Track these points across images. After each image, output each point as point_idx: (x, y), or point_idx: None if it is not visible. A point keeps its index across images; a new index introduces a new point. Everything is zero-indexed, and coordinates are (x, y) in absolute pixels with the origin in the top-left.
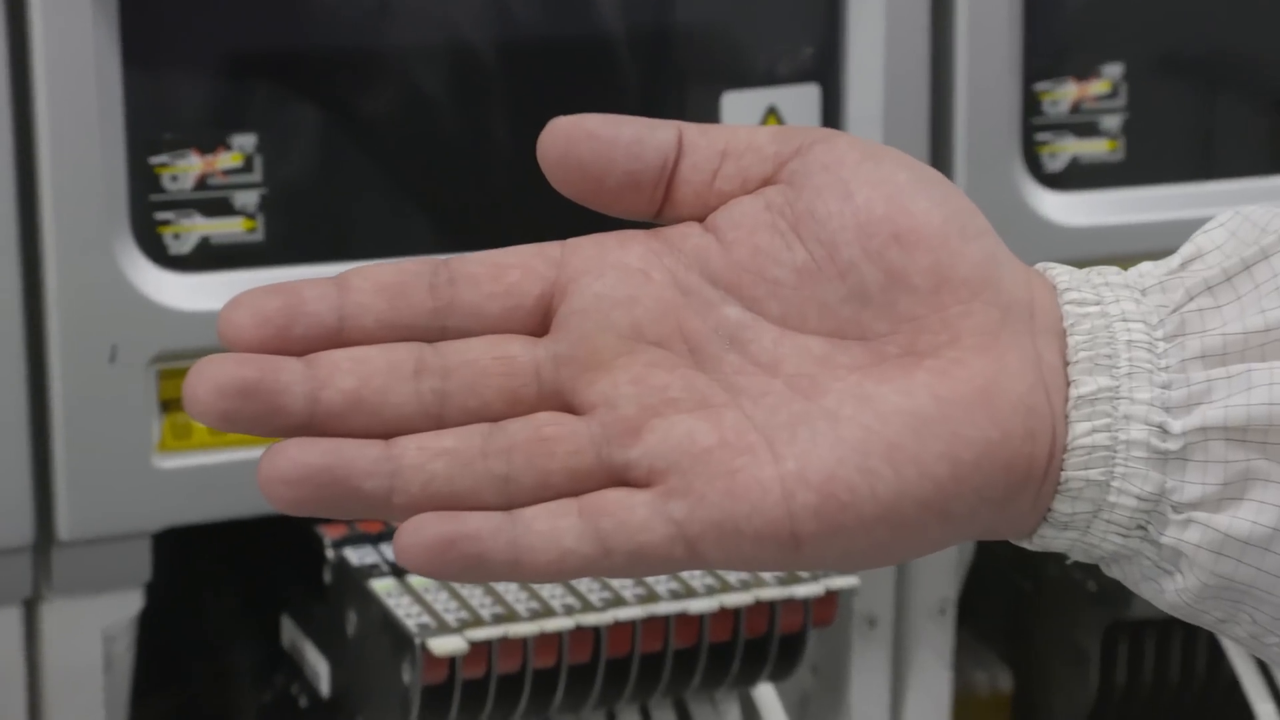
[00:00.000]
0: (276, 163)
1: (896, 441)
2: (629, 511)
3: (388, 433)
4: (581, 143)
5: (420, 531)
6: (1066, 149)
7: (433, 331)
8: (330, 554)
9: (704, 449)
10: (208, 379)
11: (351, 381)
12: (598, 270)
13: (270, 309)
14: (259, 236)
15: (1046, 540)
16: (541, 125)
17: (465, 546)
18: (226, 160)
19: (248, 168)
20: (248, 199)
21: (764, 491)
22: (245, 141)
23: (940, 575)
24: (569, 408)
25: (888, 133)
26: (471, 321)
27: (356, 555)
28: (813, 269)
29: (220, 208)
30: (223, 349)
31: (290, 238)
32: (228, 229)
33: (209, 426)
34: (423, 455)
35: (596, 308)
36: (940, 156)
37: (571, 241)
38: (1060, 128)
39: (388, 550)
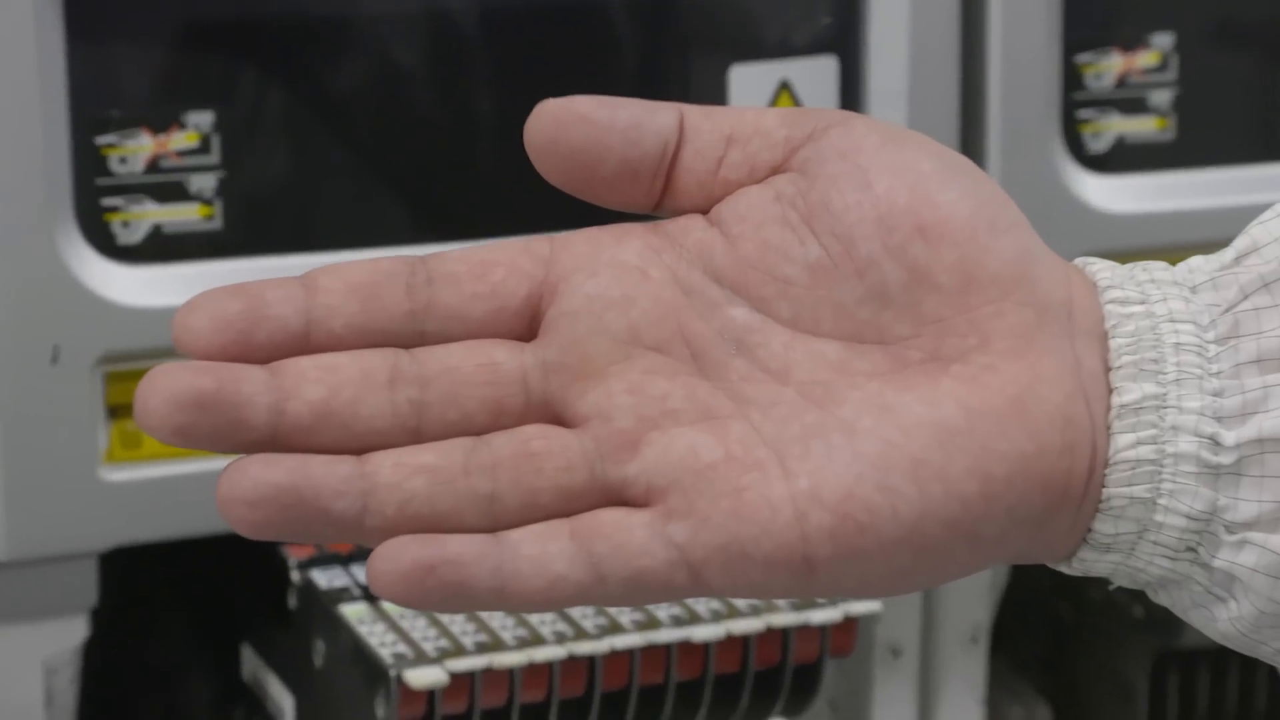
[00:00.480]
0: (237, 143)
1: (920, 456)
2: (626, 534)
3: (360, 448)
4: (572, 127)
5: (397, 556)
6: (1111, 128)
7: (409, 336)
8: (295, 576)
9: (708, 465)
10: (161, 390)
11: (320, 392)
12: (590, 268)
13: (230, 312)
14: (217, 225)
15: (1087, 564)
16: (531, 102)
17: (446, 573)
18: (181, 140)
19: (204, 148)
20: (204, 183)
21: (774, 512)
22: (202, 119)
23: (972, 599)
24: (559, 420)
25: (913, 110)
26: (452, 325)
27: (325, 578)
28: (828, 266)
29: (174, 193)
30: (177, 349)
31: (252, 226)
32: (182, 216)
33: (163, 442)
34: (399, 472)
35: (589, 309)
36: (971, 136)
37: (561, 236)
38: (1104, 104)
39: (359, 573)
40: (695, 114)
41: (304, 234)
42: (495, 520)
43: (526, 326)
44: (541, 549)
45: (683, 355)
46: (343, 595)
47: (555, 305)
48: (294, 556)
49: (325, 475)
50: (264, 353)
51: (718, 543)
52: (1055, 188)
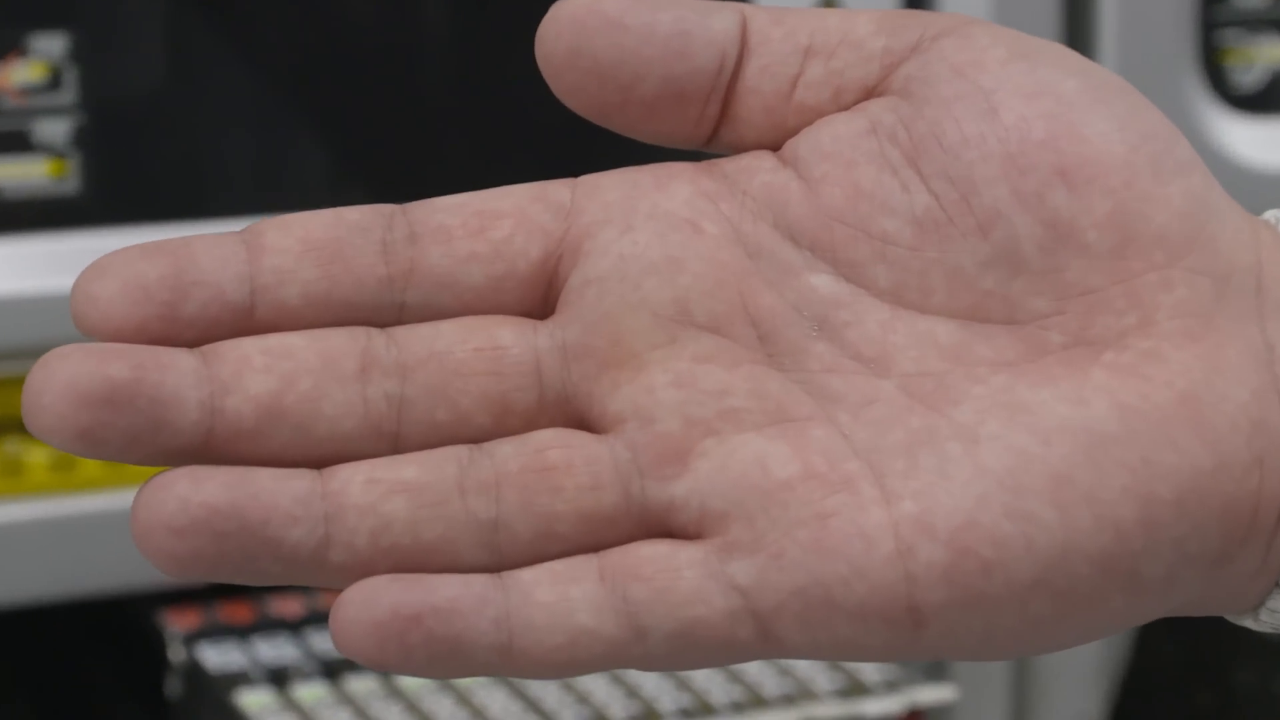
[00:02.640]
0: (99, 76)
1: (1063, 471)
2: (672, 575)
3: (321, 458)
4: (600, 35)
5: (370, 603)
6: (1264, 57)
7: (385, 310)
8: (178, 654)
9: (780, 483)
10: (59, 381)
11: (268, 384)
12: (625, 221)
13: (150, 278)
14: (72, 186)
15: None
16: (517, 7)
17: (436, 625)
18: (23, 73)
19: (55, 84)
20: (55, 130)
21: (869, 545)
22: (50, 45)
23: (1076, 682)
24: (583, 422)
25: None
26: (442, 295)
27: (216, 656)
28: (940, 219)
29: (14, 143)
30: (78, 327)
31: (120, 188)
32: (25, 175)
33: (62, 449)
34: (372, 491)
35: (623, 275)
36: None
37: (587, 179)
38: (1255, 25)
39: (264, 648)
40: (763, 17)
41: (190, 199)
42: (499, 555)
43: (540, 298)
44: (560, 594)
45: (747, 337)
46: (240, 680)
47: (578, 270)
48: (176, 628)
49: (275, 494)
50: (195, 332)
51: (794, 586)
52: (1191, 136)
